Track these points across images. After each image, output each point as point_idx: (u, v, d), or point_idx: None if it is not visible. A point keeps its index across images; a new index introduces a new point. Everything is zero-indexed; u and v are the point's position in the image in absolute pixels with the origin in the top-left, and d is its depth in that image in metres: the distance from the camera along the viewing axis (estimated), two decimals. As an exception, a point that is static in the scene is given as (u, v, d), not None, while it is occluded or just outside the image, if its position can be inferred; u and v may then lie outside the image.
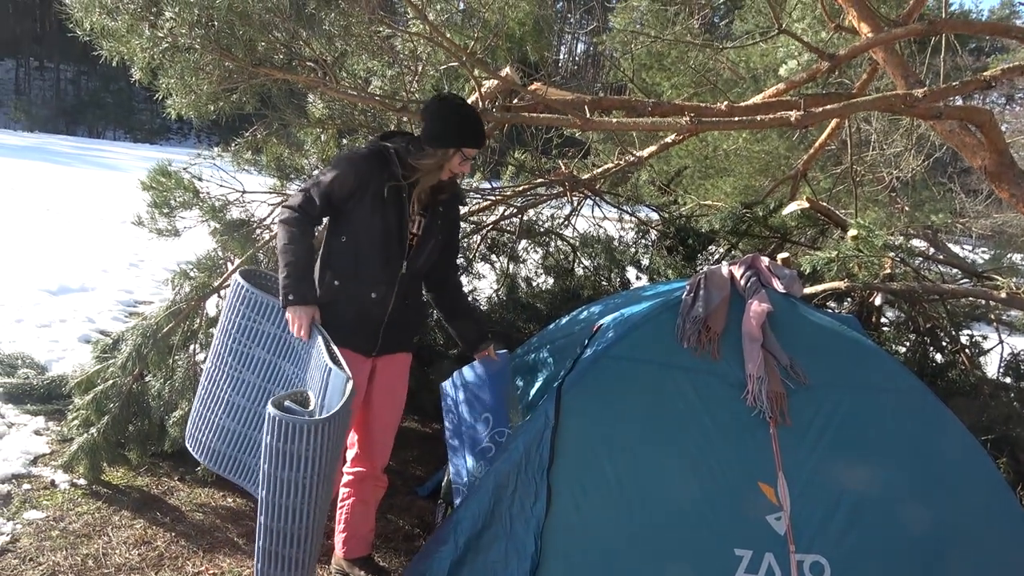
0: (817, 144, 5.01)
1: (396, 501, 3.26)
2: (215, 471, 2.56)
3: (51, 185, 15.09)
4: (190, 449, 2.59)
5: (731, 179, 8.13)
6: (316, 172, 2.49)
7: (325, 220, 2.55)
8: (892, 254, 3.78)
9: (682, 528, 2.22)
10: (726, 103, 2.82)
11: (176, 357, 3.19)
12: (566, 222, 4.57)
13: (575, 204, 4.41)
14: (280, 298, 2.35)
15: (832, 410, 2.40)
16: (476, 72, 2.72)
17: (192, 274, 3.19)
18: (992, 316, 4.12)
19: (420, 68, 2.97)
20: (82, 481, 3.15)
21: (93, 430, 3.04)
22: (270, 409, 2.00)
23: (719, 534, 2.21)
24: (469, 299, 2.90)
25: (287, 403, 2.09)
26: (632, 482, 2.25)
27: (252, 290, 2.41)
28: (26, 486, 3.11)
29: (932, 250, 7.33)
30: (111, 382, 3.10)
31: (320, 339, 2.28)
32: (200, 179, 3.18)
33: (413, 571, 2.33)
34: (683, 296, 2.56)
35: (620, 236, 4.59)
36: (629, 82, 4.88)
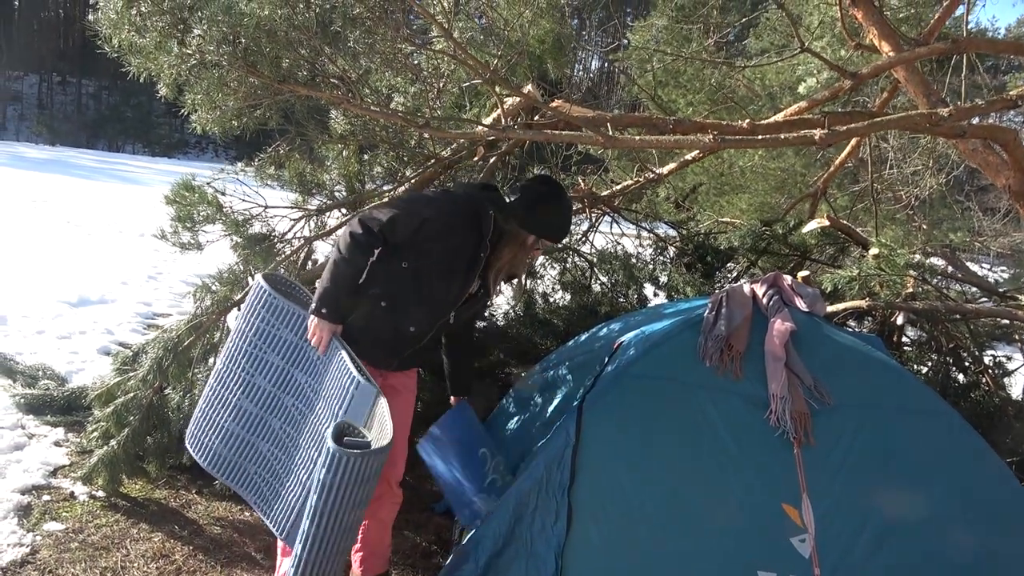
0: (837, 162, 4.99)
1: (412, 517, 3.25)
2: (214, 475, 2.53)
3: (72, 198, 15.28)
4: (189, 449, 2.54)
5: (747, 196, 8.12)
6: (411, 197, 2.46)
7: None
8: (914, 273, 3.74)
9: (705, 549, 2.19)
10: (748, 121, 2.82)
11: (196, 370, 3.20)
12: (584, 238, 4.57)
13: (593, 220, 4.40)
14: (312, 305, 2.31)
15: (857, 431, 2.37)
16: (498, 89, 2.73)
17: (214, 288, 3.21)
18: (1016, 336, 4.07)
19: (442, 85, 2.99)
20: (101, 493, 3.16)
21: (113, 442, 3.06)
22: (332, 445, 1.94)
23: (742, 556, 2.18)
24: (476, 340, 2.93)
25: (345, 439, 2.02)
26: (653, 502, 2.23)
27: (275, 295, 2.39)
28: (46, 497, 3.13)
29: (950, 269, 7.27)
30: (131, 395, 3.12)
31: (343, 351, 2.26)
32: (223, 194, 3.21)
33: (433, 589, 2.31)
34: (705, 314, 2.54)
35: (638, 253, 4.58)
36: (651, 100, 4.89)
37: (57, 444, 3.63)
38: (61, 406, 3.88)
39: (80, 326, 5.64)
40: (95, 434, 3.20)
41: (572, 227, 2.55)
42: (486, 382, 3.79)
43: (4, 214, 11.67)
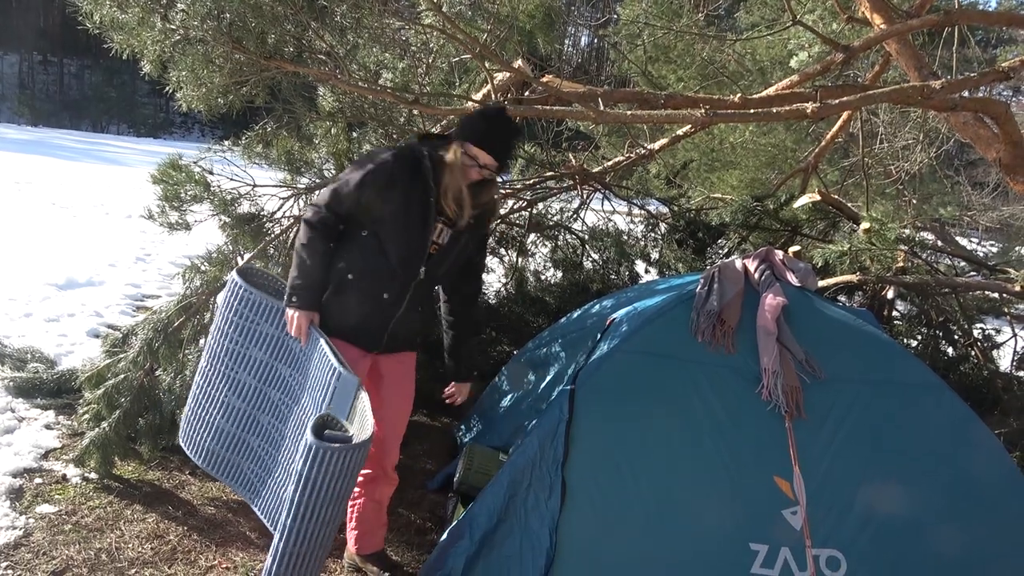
0: (828, 137, 4.98)
1: (407, 495, 3.25)
2: (209, 472, 2.55)
3: (56, 179, 15.09)
4: (184, 447, 2.56)
5: (737, 172, 8.11)
6: (346, 169, 2.43)
7: None
8: (904, 247, 3.75)
9: (697, 522, 2.21)
10: (739, 96, 2.80)
11: (187, 351, 3.18)
12: (575, 215, 4.56)
13: (585, 197, 4.39)
14: (285, 297, 2.33)
15: (848, 404, 2.39)
16: (488, 64, 2.70)
17: (203, 268, 3.18)
18: (1005, 309, 4.10)
19: (431, 60, 2.95)
20: (93, 475, 3.15)
21: (104, 424, 3.04)
22: (311, 439, 1.93)
23: (734, 528, 2.20)
24: (477, 319, 2.84)
25: (326, 432, 2.01)
26: (647, 476, 2.24)
27: (250, 290, 2.37)
28: (38, 480, 3.11)
29: (940, 243, 7.30)
30: (122, 376, 3.10)
31: (322, 341, 2.24)
32: (211, 173, 3.17)
33: (430, 566, 2.33)
34: (697, 290, 2.54)
35: (629, 229, 4.57)
36: (642, 75, 4.85)
37: (48, 427, 3.60)
38: (51, 389, 3.85)
39: (68, 308, 5.59)
40: (86, 416, 3.18)
41: (511, 149, 2.43)
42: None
43: (-12, 196, 11.51)
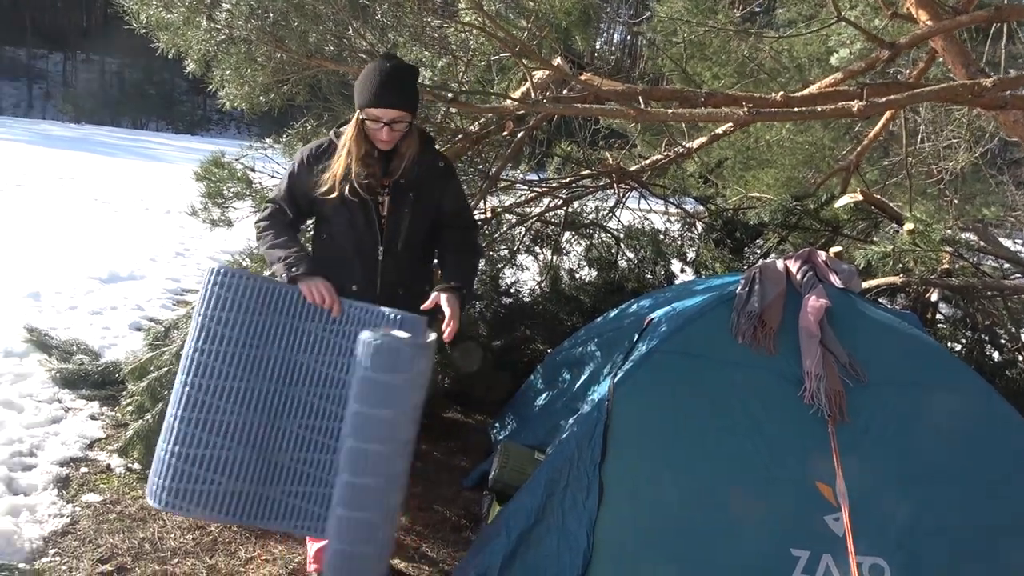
0: (871, 135, 4.89)
1: (442, 492, 3.27)
2: (221, 520, 2.18)
3: (98, 176, 15.44)
4: (166, 507, 2.04)
5: (773, 170, 7.99)
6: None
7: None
8: (949, 249, 3.67)
9: (737, 526, 2.18)
10: (781, 94, 2.76)
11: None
12: (610, 214, 4.53)
13: (621, 196, 4.37)
14: (286, 278, 2.17)
15: (893, 409, 2.34)
16: (527, 62, 2.69)
17: (244, 264, 3.22)
18: (1054, 314, 3.98)
19: (469, 59, 2.96)
20: (136, 466, 3.21)
21: (148, 416, 3.10)
22: (368, 337, 1.86)
23: (775, 534, 2.17)
24: (470, 254, 2.49)
25: (382, 334, 1.91)
26: (686, 479, 2.22)
27: (252, 276, 2.10)
28: (83, 469, 3.19)
29: (983, 244, 7.12)
30: (165, 369, 3.16)
31: (356, 304, 2.16)
32: (252, 170, 3.21)
33: (467, 564, 2.33)
34: (737, 291, 2.51)
35: (666, 228, 4.54)
36: (682, 72, 4.81)
37: (92, 417, 3.69)
38: (95, 380, 3.94)
39: (111, 302, 5.71)
40: (130, 408, 3.24)
41: (408, 88, 2.25)
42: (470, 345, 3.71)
43: (33, 192, 11.83)
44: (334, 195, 2.24)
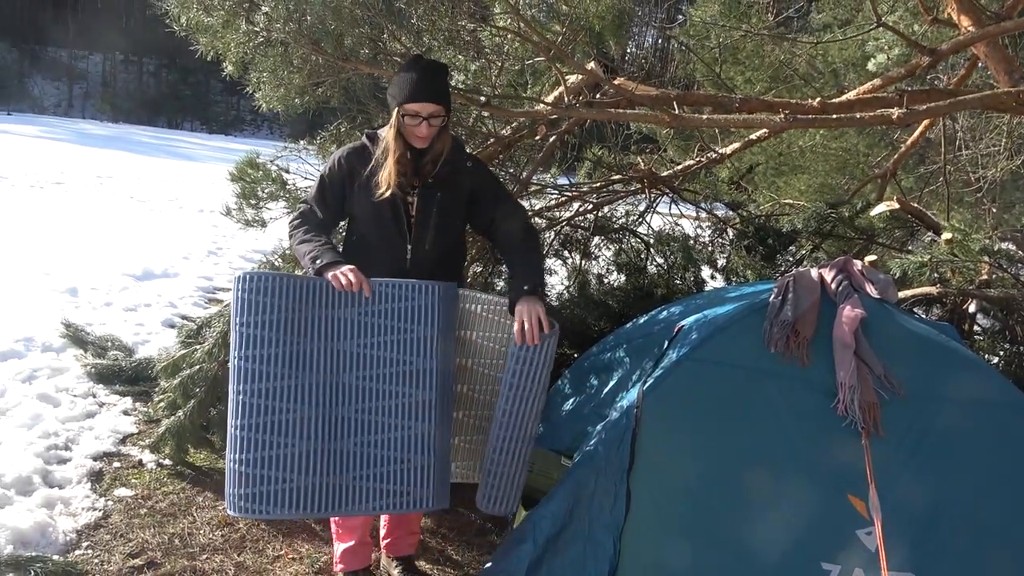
0: (909, 142, 4.81)
1: (466, 495, 3.26)
2: (302, 516, 2.24)
3: (134, 174, 15.73)
4: (247, 515, 2.16)
5: (805, 176, 7.89)
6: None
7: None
8: (988, 259, 3.59)
9: (766, 539, 2.15)
10: (818, 100, 2.72)
11: (258, 345, 3.26)
12: (640, 219, 4.50)
13: (651, 201, 4.34)
14: (312, 271, 2.20)
15: (929, 423, 2.29)
16: (561, 67, 2.69)
17: (277, 263, 3.26)
18: (1098, 328, 3.87)
19: (503, 63, 2.96)
20: (168, 462, 3.27)
21: (180, 413, 3.15)
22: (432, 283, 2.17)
23: (806, 547, 2.13)
24: (531, 242, 2.46)
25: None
26: (714, 489, 2.19)
27: (276, 276, 2.13)
28: (116, 464, 3.25)
29: (1022, 254, 6.95)
30: (197, 367, 3.20)
31: (384, 281, 2.22)
32: (287, 171, 3.25)
33: (491, 568, 2.32)
34: (770, 299, 2.48)
35: (696, 234, 4.50)
36: (715, 76, 4.76)
37: (125, 413, 3.76)
38: (129, 376, 4.01)
39: (145, 299, 5.82)
40: (162, 404, 3.30)
41: (443, 84, 2.29)
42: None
43: (72, 190, 12.09)
44: (388, 193, 2.27)
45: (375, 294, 2.19)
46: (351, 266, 2.20)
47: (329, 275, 2.17)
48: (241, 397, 2.07)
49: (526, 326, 2.17)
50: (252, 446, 2.05)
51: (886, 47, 4.94)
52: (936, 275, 3.51)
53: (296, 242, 2.35)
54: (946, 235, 3.39)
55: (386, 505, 2.19)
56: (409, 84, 2.23)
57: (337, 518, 2.52)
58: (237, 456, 2.06)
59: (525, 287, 2.22)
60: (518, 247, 2.39)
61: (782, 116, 2.27)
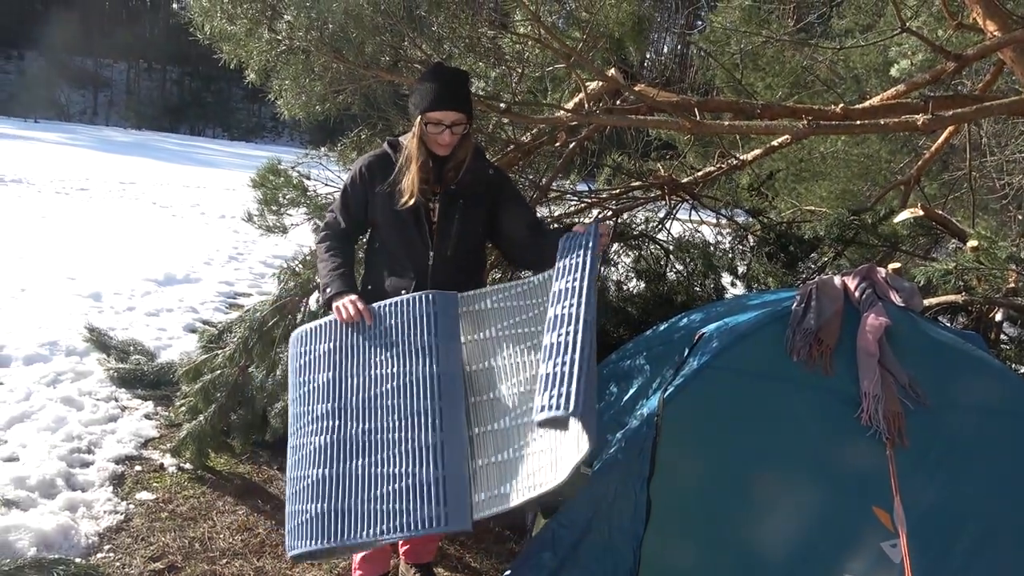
0: (933, 148, 4.75)
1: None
2: (327, 548, 2.09)
3: (156, 180, 15.93)
4: (295, 559, 2.20)
5: (826, 183, 7.82)
6: None
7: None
8: (1015, 267, 3.53)
9: (789, 551, 2.12)
10: (840, 106, 2.69)
11: (279, 350, 3.28)
12: (660, 225, 4.48)
13: (671, 207, 4.31)
14: (321, 299, 2.29)
15: (955, 433, 2.25)
16: (581, 73, 2.68)
17: (298, 270, 3.28)
18: None
19: (523, 70, 2.96)
20: (188, 466, 3.29)
21: (201, 417, 3.17)
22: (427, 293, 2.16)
23: (829, 560, 2.10)
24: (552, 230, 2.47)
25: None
26: (736, 499, 2.17)
27: (301, 329, 2.29)
28: (138, 468, 3.28)
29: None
30: (218, 372, 3.23)
31: (384, 303, 2.23)
32: (307, 178, 3.27)
33: (510, 576, 2.32)
34: (793, 307, 2.45)
35: (717, 241, 4.47)
36: (733, 83, 4.74)
37: (147, 417, 3.79)
38: (151, 380, 4.05)
39: (167, 304, 5.88)
40: (183, 409, 3.32)
41: (465, 91, 2.30)
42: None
43: (96, 195, 12.26)
44: (412, 202, 2.27)
45: (375, 317, 2.22)
46: (352, 296, 2.23)
47: (334, 309, 2.24)
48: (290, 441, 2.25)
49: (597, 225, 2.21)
50: (288, 485, 2.20)
51: (909, 52, 4.89)
52: (961, 283, 3.46)
53: (319, 260, 2.40)
54: (972, 242, 3.34)
55: (397, 527, 2.04)
56: (431, 92, 2.24)
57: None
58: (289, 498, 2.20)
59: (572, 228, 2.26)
60: (545, 232, 2.42)
61: (805, 123, 2.25)
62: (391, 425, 2.12)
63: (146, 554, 2.65)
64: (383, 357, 2.19)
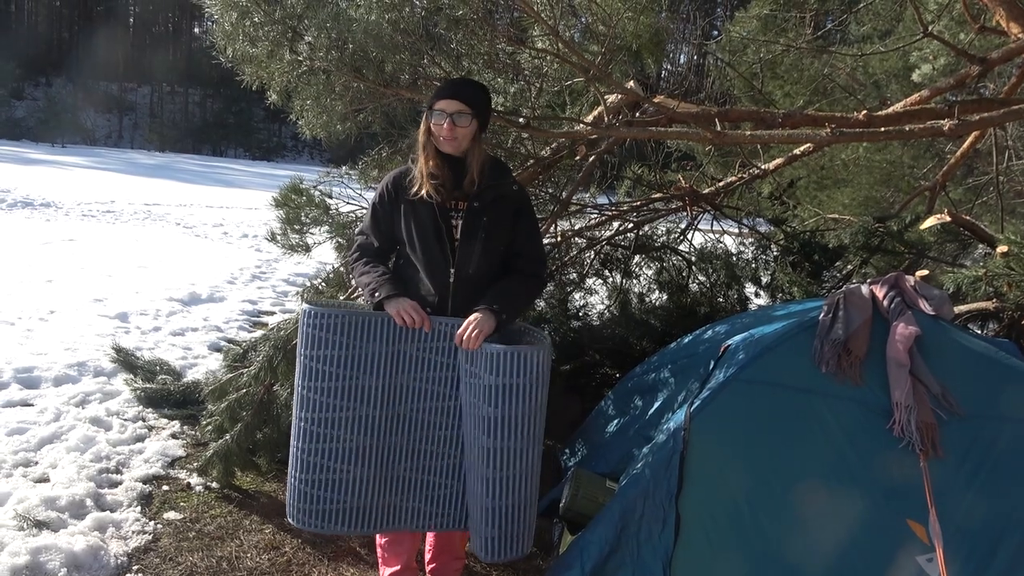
0: (958, 153, 4.68)
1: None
2: (352, 533, 2.43)
3: (180, 201, 16.16)
4: (303, 526, 2.32)
5: (849, 190, 7.74)
6: None
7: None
8: (1048, 272, 3.45)
9: (822, 566, 2.09)
10: (863, 112, 2.66)
11: (303, 368, 3.29)
12: (682, 236, 4.46)
13: (693, 218, 4.29)
14: (371, 304, 2.27)
15: (990, 443, 2.21)
16: (600, 86, 2.68)
17: (322, 288, 3.30)
18: None
19: (541, 84, 2.97)
20: (215, 485, 3.30)
21: (227, 436, 3.18)
22: (493, 348, 2.10)
23: (864, 574, 2.06)
24: (528, 284, 2.46)
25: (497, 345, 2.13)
26: (767, 514, 2.13)
27: (337, 313, 2.21)
28: (165, 487, 3.29)
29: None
30: (244, 391, 3.24)
31: (443, 319, 2.26)
32: (329, 197, 3.29)
33: (538, 594, 2.30)
34: (820, 317, 2.42)
35: (739, 251, 4.43)
36: (756, 91, 4.72)
37: (174, 436, 3.82)
38: (177, 400, 4.08)
39: (192, 323, 5.94)
40: (209, 428, 3.34)
41: (459, 86, 2.31)
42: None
43: (122, 217, 12.46)
44: (422, 192, 2.29)
45: (434, 331, 2.26)
46: (412, 302, 2.25)
47: (392, 311, 2.24)
48: (303, 424, 2.25)
49: (467, 330, 2.19)
50: (311, 468, 2.24)
51: (931, 57, 4.84)
52: (991, 289, 3.39)
53: (357, 274, 2.41)
54: (1002, 247, 3.28)
55: (426, 525, 2.40)
56: (441, 86, 2.33)
57: (383, 542, 2.53)
58: (297, 474, 2.27)
59: (494, 305, 2.24)
60: (513, 279, 2.39)
61: (828, 130, 2.23)
62: (436, 439, 2.35)
63: (174, 574, 2.66)
64: (438, 375, 2.31)
